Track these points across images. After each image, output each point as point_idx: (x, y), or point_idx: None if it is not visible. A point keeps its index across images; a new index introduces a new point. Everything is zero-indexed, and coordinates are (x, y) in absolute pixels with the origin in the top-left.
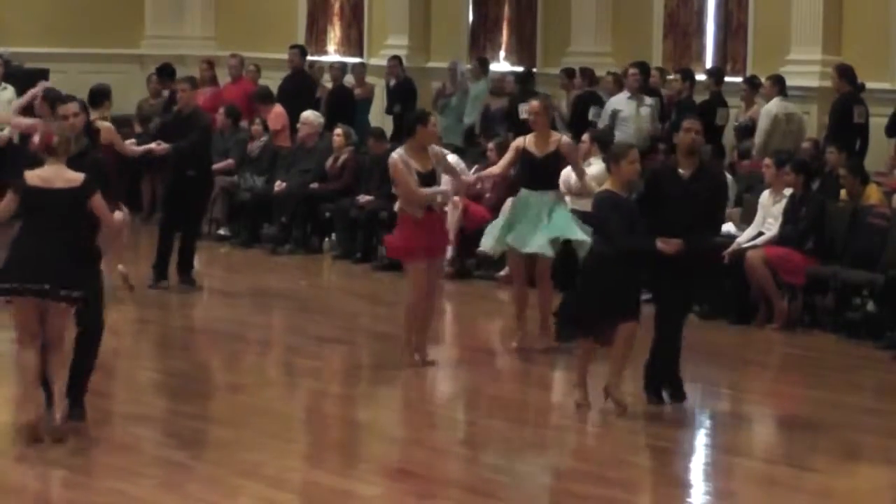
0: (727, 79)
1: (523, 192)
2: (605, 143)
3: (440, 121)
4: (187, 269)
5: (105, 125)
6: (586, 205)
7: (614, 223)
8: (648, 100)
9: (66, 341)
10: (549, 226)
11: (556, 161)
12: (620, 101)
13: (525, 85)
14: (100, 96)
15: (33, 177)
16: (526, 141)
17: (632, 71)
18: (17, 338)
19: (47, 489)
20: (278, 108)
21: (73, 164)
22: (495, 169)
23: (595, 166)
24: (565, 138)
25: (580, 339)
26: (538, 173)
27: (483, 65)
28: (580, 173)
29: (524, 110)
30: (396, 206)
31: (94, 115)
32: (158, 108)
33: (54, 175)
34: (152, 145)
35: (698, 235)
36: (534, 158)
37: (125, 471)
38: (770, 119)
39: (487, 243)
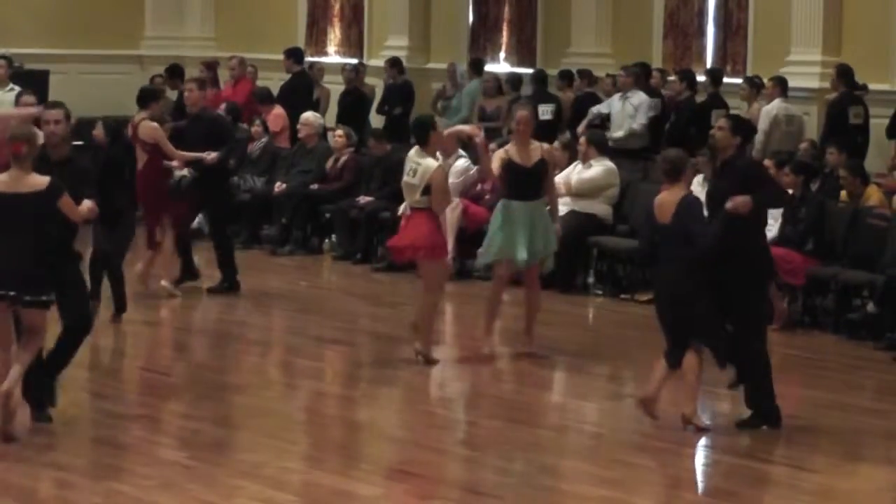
0: (728, 80)
1: (512, 203)
2: (601, 145)
3: (441, 123)
4: (227, 272)
5: (150, 125)
6: (586, 205)
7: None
8: (636, 97)
9: (43, 338)
10: (539, 237)
11: (545, 169)
12: (611, 101)
13: (541, 85)
14: (148, 97)
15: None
16: (509, 152)
17: (619, 72)
18: None
19: (46, 490)
20: (278, 110)
21: (56, 170)
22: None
23: (596, 168)
24: (546, 145)
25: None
26: (530, 184)
27: (477, 65)
28: (550, 179)
29: (545, 111)
30: (406, 208)
31: (140, 115)
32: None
33: (20, 180)
34: (203, 155)
35: (765, 192)
36: (522, 169)
37: (124, 471)
38: (770, 120)
39: (486, 258)
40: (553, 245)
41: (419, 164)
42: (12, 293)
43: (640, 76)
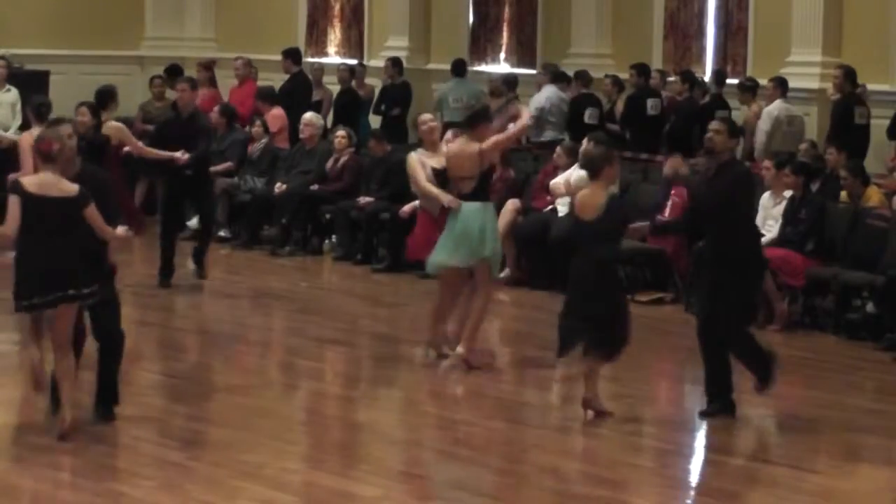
0: (729, 80)
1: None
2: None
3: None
4: (201, 260)
5: (115, 125)
6: None
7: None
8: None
9: (70, 339)
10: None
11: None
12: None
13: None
14: (107, 97)
15: (30, 183)
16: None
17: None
18: (24, 339)
19: (47, 490)
20: (277, 110)
21: None
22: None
23: None
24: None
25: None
26: (484, 183)
27: (457, 67)
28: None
29: (591, 115)
30: (418, 205)
31: (102, 116)
32: (164, 111)
33: (50, 183)
34: (177, 154)
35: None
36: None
37: (125, 472)
38: (771, 120)
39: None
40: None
41: None
42: (60, 294)
43: (557, 75)
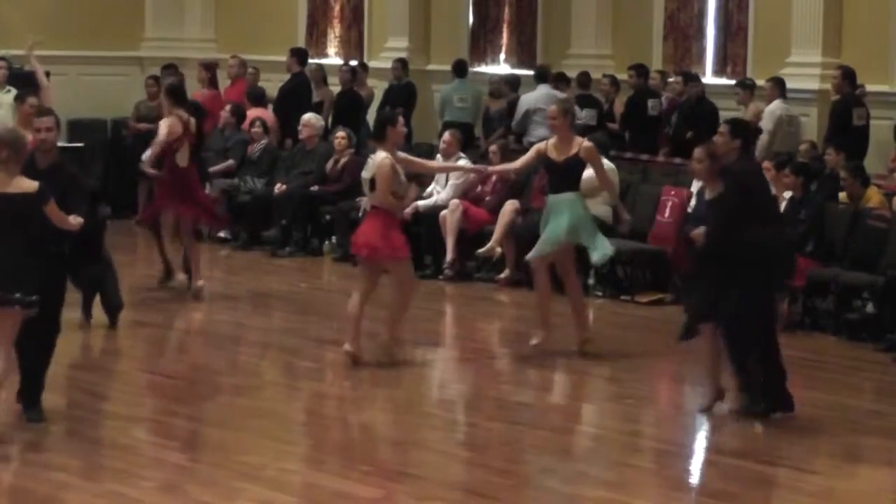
0: (728, 81)
1: (549, 197)
2: (601, 145)
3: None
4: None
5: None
6: (590, 205)
7: None
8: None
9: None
10: (563, 228)
11: (577, 165)
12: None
13: (584, 89)
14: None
15: None
16: (547, 146)
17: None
18: None
19: (46, 491)
20: (255, 111)
21: (45, 177)
22: (514, 165)
23: None
24: (586, 142)
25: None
26: (558, 178)
27: (458, 68)
28: (601, 176)
29: (590, 116)
30: (367, 204)
31: (177, 111)
32: (157, 110)
33: (7, 181)
34: None
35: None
36: (554, 163)
37: (124, 473)
38: (774, 120)
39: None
40: (563, 237)
41: (372, 158)
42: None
43: (542, 75)
